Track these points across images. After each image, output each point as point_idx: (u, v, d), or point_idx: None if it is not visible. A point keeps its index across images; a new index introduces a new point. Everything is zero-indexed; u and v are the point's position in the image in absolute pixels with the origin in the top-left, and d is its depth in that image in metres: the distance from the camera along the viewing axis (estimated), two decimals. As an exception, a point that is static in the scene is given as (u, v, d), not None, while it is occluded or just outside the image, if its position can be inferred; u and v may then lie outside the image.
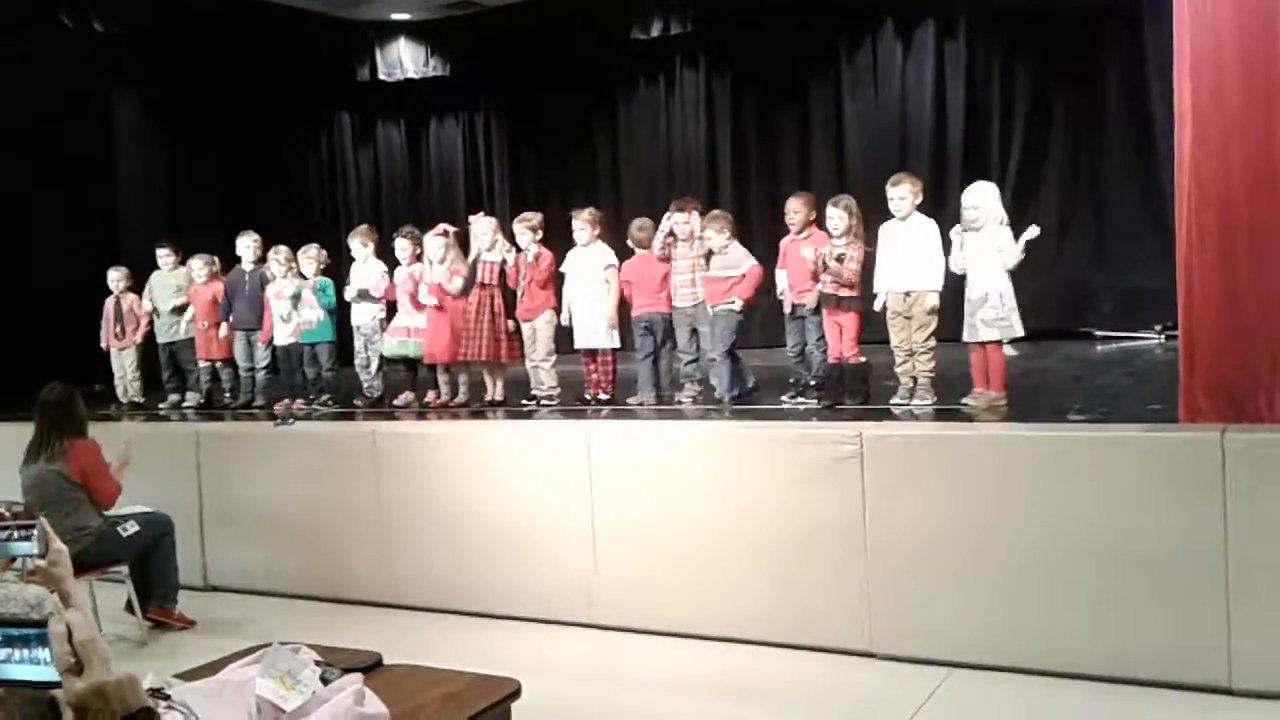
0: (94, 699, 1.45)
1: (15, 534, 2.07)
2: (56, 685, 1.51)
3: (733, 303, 6.67)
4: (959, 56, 11.39)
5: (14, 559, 2.33)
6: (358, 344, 8.08)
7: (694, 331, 6.96)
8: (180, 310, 8.74)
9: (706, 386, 6.98)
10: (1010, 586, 4.81)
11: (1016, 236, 5.76)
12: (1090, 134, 10.74)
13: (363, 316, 8.04)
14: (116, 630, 6.02)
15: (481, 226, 7.50)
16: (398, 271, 7.88)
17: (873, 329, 6.45)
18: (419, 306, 7.62)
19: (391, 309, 7.98)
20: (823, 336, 6.46)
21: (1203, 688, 4.43)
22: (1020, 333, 5.92)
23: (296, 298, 8.01)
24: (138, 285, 8.95)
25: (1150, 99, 10.05)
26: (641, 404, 7.00)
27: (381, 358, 8.01)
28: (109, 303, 9.02)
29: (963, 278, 5.92)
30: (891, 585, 5.07)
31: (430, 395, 7.74)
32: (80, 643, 1.47)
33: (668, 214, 6.99)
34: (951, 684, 4.75)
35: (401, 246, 7.86)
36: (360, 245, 8.08)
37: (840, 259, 6.23)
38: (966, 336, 5.93)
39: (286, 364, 8.28)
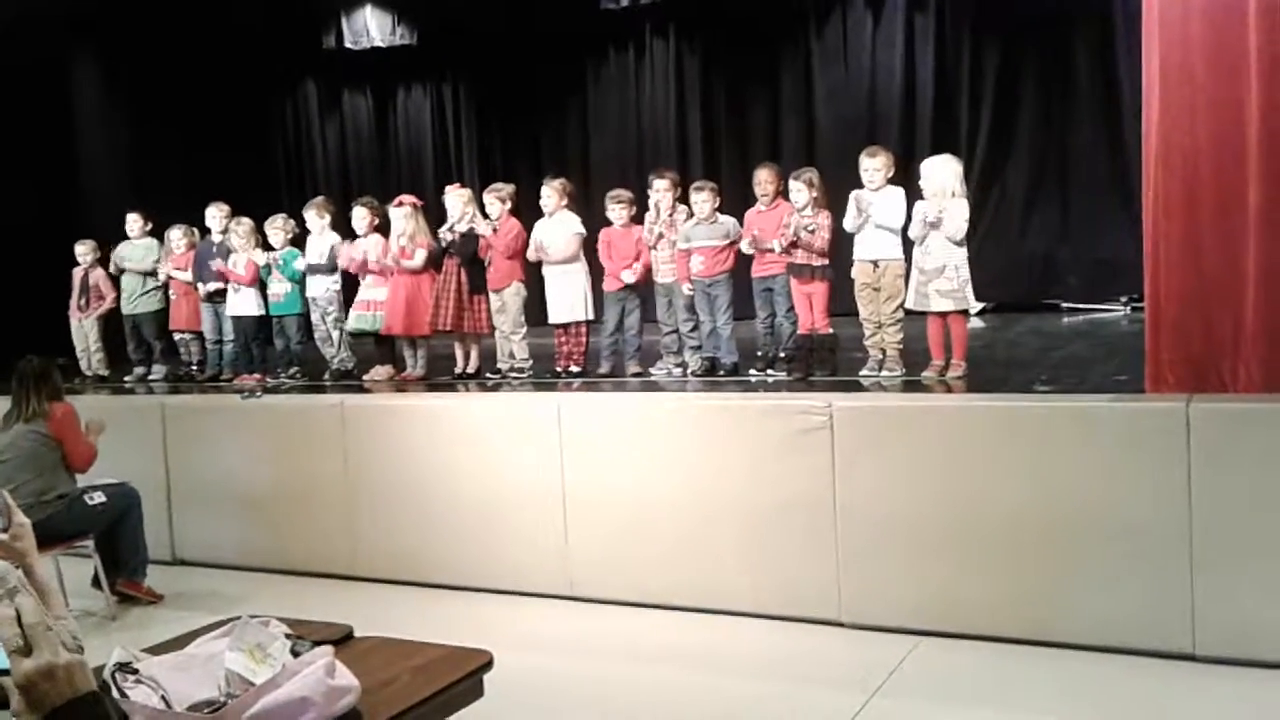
0: (42, 680, 1.43)
1: None
2: (5, 673, 1.47)
3: (731, 271, 6.70)
4: (929, 28, 11.39)
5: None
6: (314, 317, 7.99)
7: (670, 304, 6.94)
8: (150, 275, 8.65)
9: (681, 359, 6.97)
10: (979, 556, 4.85)
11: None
12: (1059, 106, 10.77)
13: (317, 289, 7.92)
14: (84, 605, 5.97)
15: (454, 197, 7.45)
16: (357, 243, 7.74)
17: (840, 302, 6.47)
18: (381, 273, 7.55)
19: (350, 281, 7.89)
20: (793, 308, 6.47)
21: (1167, 654, 4.50)
22: (974, 306, 5.95)
23: (269, 269, 7.95)
24: (104, 259, 8.83)
25: (1119, 71, 10.10)
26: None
27: (344, 330, 7.92)
28: (76, 274, 8.90)
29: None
30: (862, 555, 5.11)
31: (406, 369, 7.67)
32: (30, 625, 1.45)
33: (653, 192, 6.89)
34: (921, 652, 4.80)
35: (359, 216, 7.71)
36: (316, 217, 7.95)
37: (811, 230, 6.25)
38: (915, 305, 5.97)
39: (240, 338, 8.23)
